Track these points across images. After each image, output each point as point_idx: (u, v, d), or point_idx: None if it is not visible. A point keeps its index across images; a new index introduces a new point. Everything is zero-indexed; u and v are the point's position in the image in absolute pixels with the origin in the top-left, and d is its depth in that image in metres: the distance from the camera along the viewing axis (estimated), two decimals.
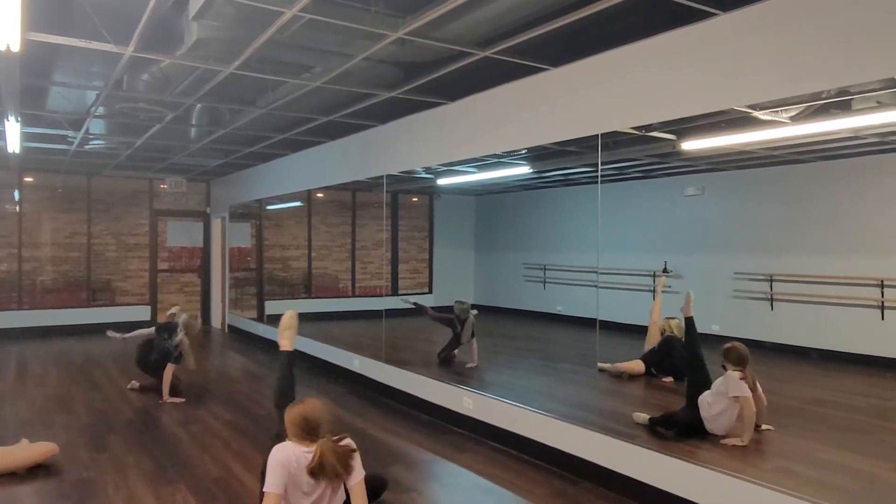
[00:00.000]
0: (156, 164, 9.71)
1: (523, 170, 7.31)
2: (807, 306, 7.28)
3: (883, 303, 6.71)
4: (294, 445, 2.84)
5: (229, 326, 11.27)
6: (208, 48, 4.35)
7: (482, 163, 6.44)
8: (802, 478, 3.89)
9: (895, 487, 3.65)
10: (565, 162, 6.68)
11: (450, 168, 6.83)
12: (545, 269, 10.47)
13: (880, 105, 4.22)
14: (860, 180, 6.92)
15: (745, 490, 3.28)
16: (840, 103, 4.27)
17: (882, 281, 6.73)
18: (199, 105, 6.08)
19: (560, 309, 9.99)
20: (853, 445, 4.36)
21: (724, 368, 4.31)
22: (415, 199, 12.23)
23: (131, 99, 5.56)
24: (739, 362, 4.26)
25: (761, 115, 4.32)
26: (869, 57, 2.87)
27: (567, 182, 9.49)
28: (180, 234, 11.75)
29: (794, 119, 4.36)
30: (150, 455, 4.58)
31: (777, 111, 4.29)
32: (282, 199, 10.00)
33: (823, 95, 3.90)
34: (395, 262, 11.84)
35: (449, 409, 5.41)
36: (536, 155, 6.19)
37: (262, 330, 9.87)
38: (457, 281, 12.13)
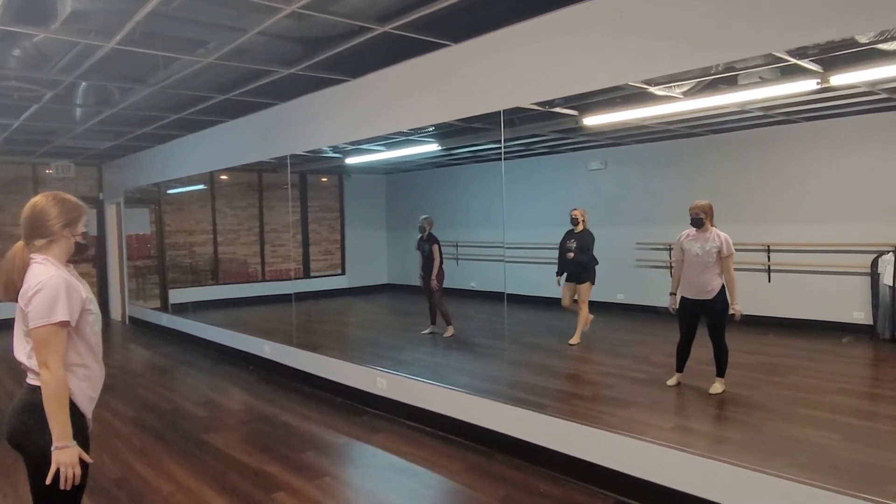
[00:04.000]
0: (38, 147, 8.99)
1: (431, 147, 7.29)
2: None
3: (769, 266, 7.20)
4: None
5: (130, 318, 10.71)
6: (87, 21, 4.03)
7: (390, 141, 6.36)
8: (697, 433, 4.14)
9: (777, 436, 3.95)
10: (472, 139, 6.69)
11: (357, 147, 6.70)
12: (457, 245, 10.54)
13: (762, 80, 4.48)
14: (746, 152, 7.35)
15: (647, 450, 3.44)
16: (727, 79, 4.50)
17: (768, 246, 7.21)
18: (83, 83, 5.65)
19: (474, 285, 10.10)
20: (742, 400, 4.68)
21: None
22: (324, 179, 11.97)
23: (2, 77, 5.09)
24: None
25: (656, 90, 4.48)
26: (748, 34, 3.01)
27: (476, 159, 9.55)
28: None
29: (687, 94, 4.55)
30: None
31: (670, 87, 4.46)
32: (182, 182, 9.52)
33: (712, 71, 4.08)
34: (306, 244, 11.59)
35: (363, 391, 5.37)
36: (443, 132, 6.17)
37: (165, 320, 9.44)
38: (370, 261, 12.04)
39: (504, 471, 3.95)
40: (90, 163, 10.89)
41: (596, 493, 3.59)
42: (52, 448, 2.00)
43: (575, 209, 6.73)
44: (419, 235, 7.38)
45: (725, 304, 4.74)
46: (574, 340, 6.57)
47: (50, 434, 2.01)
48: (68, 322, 2.05)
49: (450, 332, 7.28)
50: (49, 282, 2.05)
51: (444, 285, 7.38)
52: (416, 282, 7.63)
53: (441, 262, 7.25)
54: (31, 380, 2.11)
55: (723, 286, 4.74)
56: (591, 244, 6.61)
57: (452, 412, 4.56)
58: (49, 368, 2.00)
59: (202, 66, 4.93)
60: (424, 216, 7.40)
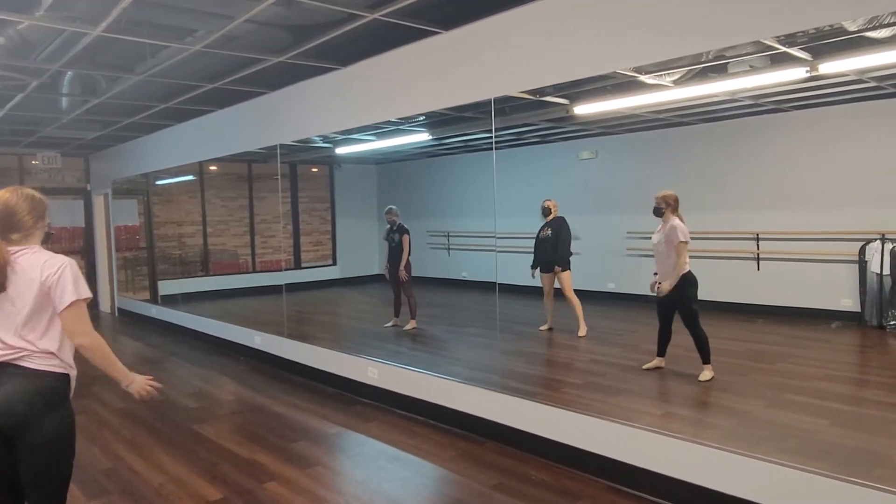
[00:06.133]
0: (24, 137, 8.90)
1: (422, 137, 7.27)
2: (692, 260, 7.75)
3: (758, 255, 7.25)
4: None
5: (119, 310, 10.64)
6: (72, 8, 3.98)
7: (381, 130, 6.33)
8: (687, 420, 4.17)
9: (764, 421, 3.98)
10: (463, 128, 6.68)
11: (348, 136, 6.68)
12: (449, 235, 10.55)
13: (752, 69, 4.49)
14: (736, 140, 7.38)
15: (638, 437, 3.46)
16: (717, 67, 4.51)
17: (757, 234, 7.26)
18: (69, 72, 5.58)
19: (465, 275, 10.12)
20: (731, 387, 4.72)
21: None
22: (315, 170, 11.92)
23: None
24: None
25: (647, 79, 4.49)
26: (737, 20, 3.01)
27: (467, 148, 9.54)
28: (58, 214, 10.86)
29: (677, 83, 4.56)
30: None
31: (661, 75, 4.47)
32: (170, 172, 9.44)
33: (702, 59, 4.09)
34: (296, 235, 11.55)
35: (354, 381, 5.37)
36: (435, 121, 6.15)
37: (155, 312, 9.39)
38: (361, 251, 12.01)
39: (496, 458, 3.97)
40: (77, 153, 10.79)
41: (587, 479, 3.61)
42: (125, 387, 2.41)
43: (547, 199, 6.71)
44: (387, 226, 7.27)
45: (685, 292, 4.74)
46: (582, 332, 6.50)
47: (59, 411, 2.20)
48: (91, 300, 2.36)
49: (412, 325, 7.16)
50: (71, 263, 2.30)
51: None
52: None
53: (409, 254, 7.14)
54: (34, 363, 2.18)
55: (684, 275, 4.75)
56: (566, 232, 6.57)
57: (444, 401, 4.57)
58: (90, 335, 2.31)
59: (190, 54, 4.88)
60: (391, 206, 7.31)
